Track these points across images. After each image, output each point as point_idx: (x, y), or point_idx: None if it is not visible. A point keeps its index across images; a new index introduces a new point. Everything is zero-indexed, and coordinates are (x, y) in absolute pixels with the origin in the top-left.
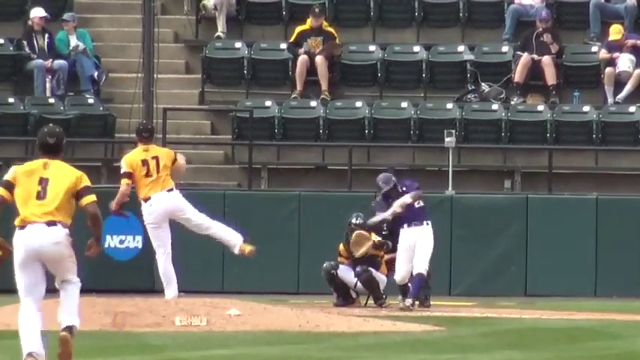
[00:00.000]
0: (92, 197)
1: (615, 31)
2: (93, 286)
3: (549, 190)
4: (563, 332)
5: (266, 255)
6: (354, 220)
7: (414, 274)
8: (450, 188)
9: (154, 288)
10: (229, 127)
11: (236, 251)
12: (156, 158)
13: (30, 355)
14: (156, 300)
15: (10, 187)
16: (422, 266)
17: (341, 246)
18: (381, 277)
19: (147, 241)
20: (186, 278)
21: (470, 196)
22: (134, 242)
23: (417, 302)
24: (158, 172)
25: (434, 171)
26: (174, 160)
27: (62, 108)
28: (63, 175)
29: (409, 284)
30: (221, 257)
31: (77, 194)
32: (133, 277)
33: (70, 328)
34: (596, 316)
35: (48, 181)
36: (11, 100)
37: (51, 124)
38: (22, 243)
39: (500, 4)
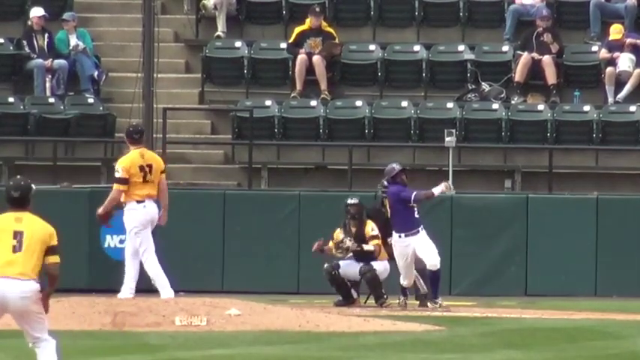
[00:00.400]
0: (56, 258)
1: (615, 31)
2: (93, 286)
3: (549, 189)
4: (563, 332)
5: (266, 255)
6: (349, 201)
7: (430, 271)
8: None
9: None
10: (229, 126)
11: (162, 295)
12: (150, 166)
13: None
14: (156, 300)
15: None
16: (434, 261)
17: (338, 232)
18: (384, 268)
19: None
20: (187, 278)
21: (470, 196)
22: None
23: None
24: (152, 177)
25: (434, 171)
26: (163, 171)
27: (62, 108)
28: (37, 229)
29: (420, 285)
30: (221, 257)
31: (46, 250)
32: None
33: None
34: (596, 316)
35: (23, 235)
36: (11, 99)
37: (18, 176)
38: None
39: (501, 4)
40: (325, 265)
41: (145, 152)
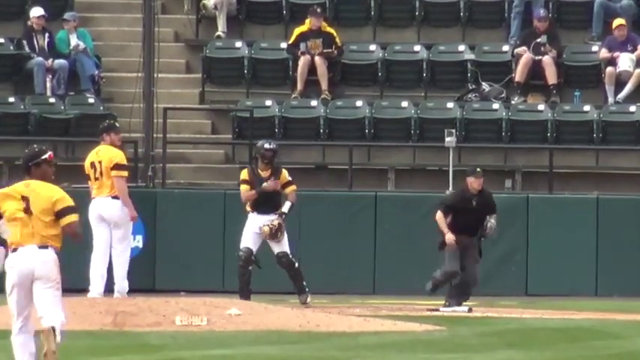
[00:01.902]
0: (71, 218)
1: (616, 24)
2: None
3: (550, 189)
4: (563, 332)
5: (266, 255)
6: (266, 145)
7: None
8: (450, 188)
9: (154, 288)
10: (229, 126)
11: (89, 294)
12: (100, 163)
13: None
14: (156, 299)
15: None
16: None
17: (245, 172)
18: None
19: (148, 241)
20: (187, 278)
21: None
22: (134, 242)
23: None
24: (99, 175)
25: (434, 171)
26: (114, 167)
27: (62, 107)
28: (41, 198)
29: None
30: (221, 257)
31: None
32: (133, 277)
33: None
34: (597, 316)
35: (29, 201)
36: (11, 99)
37: (34, 145)
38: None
39: (501, 4)
40: (241, 253)
41: (102, 149)
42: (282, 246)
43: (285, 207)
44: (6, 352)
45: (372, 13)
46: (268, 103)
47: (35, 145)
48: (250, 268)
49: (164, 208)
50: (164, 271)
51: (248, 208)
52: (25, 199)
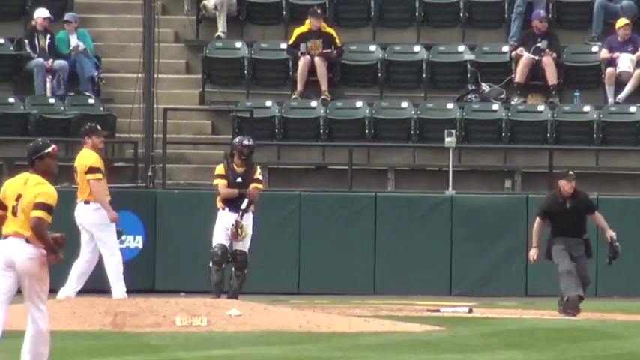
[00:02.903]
0: (36, 213)
1: (621, 24)
2: (93, 286)
3: (549, 190)
4: (563, 332)
5: (266, 255)
6: (245, 142)
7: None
8: (450, 188)
9: (154, 288)
10: (229, 127)
11: (59, 294)
12: (75, 168)
13: None
14: (156, 300)
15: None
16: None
17: (221, 167)
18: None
19: (147, 241)
20: (187, 278)
21: (470, 196)
22: (134, 242)
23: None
24: (78, 179)
25: (434, 171)
26: (87, 171)
27: (62, 108)
28: (30, 192)
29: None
30: None
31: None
32: (133, 277)
33: None
34: (597, 316)
35: (21, 197)
36: (11, 100)
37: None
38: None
39: (501, 4)
40: (215, 249)
41: (81, 154)
42: (244, 244)
43: (243, 204)
44: (6, 352)
45: (372, 13)
46: (268, 103)
47: (39, 139)
48: (223, 265)
49: (164, 209)
50: (164, 271)
51: (219, 205)
52: (18, 197)
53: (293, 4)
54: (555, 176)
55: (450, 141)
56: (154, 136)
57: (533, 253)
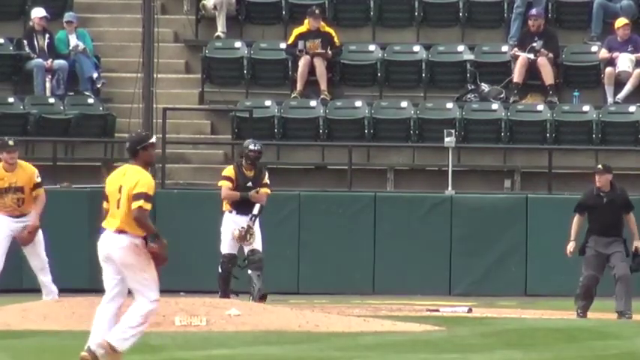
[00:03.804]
0: (138, 203)
1: (621, 23)
2: (93, 286)
3: (549, 190)
4: (563, 332)
5: (266, 255)
6: (251, 146)
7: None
8: (449, 188)
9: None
10: (229, 126)
11: (48, 298)
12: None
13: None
14: None
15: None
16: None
17: (231, 169)
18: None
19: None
20: (187, 278)
21: (470, 196)
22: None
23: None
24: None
25: (434, 171)
26: (34, 187)
27: (62, 108)
28: (129, 181)
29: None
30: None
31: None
32: None
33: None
34: (596, 316)
35: (122, 189)
36: (11, 99)
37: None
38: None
39: (501, 4)
40: (225, 259)
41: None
42: (257, 244)
43: (255, 209)
44: (6, 352)
45: (372, 13)
46: (268, 103)
47: (140, 130)
48: (232, 274)
49: (164, 208)
50: (164, 271)
51: (226, 207)
52: (120, 189)
53: (292, 4)
54: (593, 171)
55: (449, 141)
56: (154, 135)
57: (570, 246)
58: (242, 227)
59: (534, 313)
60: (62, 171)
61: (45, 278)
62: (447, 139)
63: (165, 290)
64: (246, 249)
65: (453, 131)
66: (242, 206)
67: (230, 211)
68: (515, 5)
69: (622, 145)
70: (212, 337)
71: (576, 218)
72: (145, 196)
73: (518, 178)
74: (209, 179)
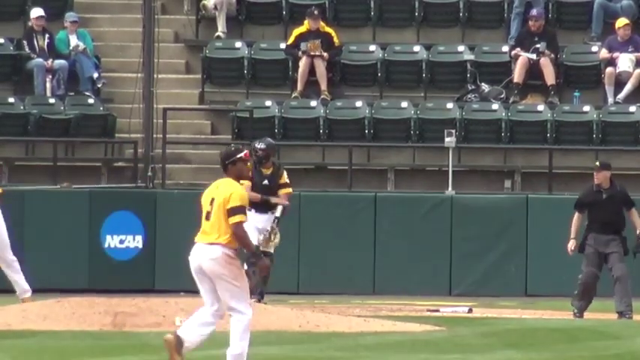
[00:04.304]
0: (235, 218)
1: (622, 24)
2: (93, 286)
3: (549, 190)
4: (563, 332)
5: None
6: (257, 145)
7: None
8: (449, 188)
9: (154, 288)
10: (229, 127)
11: (20, 297)
12: None
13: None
14: (156, 300)
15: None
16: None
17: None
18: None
19: (147, 241)
20: (187, 278)
21: (470, 196)
22: (134, 242)
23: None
24: None
25: (434, 171)
26: None
27: (62, 108)
28: (221, 194)
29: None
30: None
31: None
32: (133, 277)
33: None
34: (596, 316)
35: (214, 201)
36: (11, 100)
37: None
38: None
39: (501, 4)
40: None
41: None
42: (270, 248)
43: (278, 211)
44: (6, 352)
45: (372, 13)
46: (268, 103)
47: (232, 144)
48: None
49: (164, 209)
50: (164, 271)
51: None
52: (212, 201)
53: (293, 4)
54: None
55: (449, 141)
56: (154, 136)
57: (570, 244)
58: (266, 231)
59: (534, 313)
60: (62, 171)
61: (15, 276)
62: (447, 139)
63: (166, 290)
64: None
65: (453, 131)
66: (261, 205)
67: (249, 209)
68: (514, 5)
69: (622, 145)
70: (213, 337)
71: (576, 216)
72: (241, 210)
73: (519, 179)
74: (209, 179)
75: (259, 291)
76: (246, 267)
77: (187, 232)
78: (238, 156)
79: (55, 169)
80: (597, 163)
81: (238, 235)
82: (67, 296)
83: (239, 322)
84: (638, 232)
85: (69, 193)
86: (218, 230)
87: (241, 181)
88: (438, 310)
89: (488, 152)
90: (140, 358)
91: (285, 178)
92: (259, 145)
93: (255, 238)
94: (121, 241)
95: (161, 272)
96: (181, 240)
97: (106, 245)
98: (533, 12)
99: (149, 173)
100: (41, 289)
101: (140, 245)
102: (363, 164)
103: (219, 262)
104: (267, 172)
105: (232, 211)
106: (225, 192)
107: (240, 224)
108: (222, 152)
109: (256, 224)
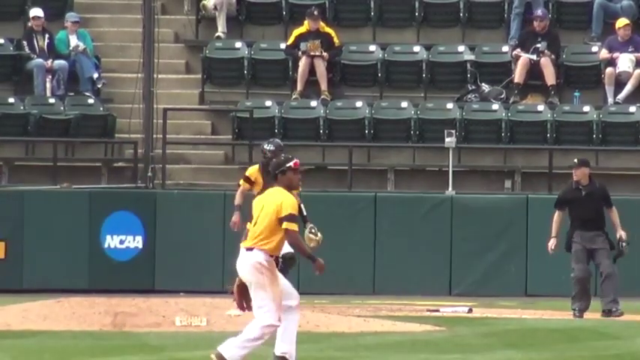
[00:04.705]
0: (288, 225)
1: (622, 24)
2: (93, 287)
3: (549, 190)
4: (563, 332)
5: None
6: (265, 146)
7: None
8: (450, 188)
9: (153, 288)
10: (229, 127)
11: None
12: None
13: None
14: (156, 300)
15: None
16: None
17: (254, 169)
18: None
19: (147, 241)
20: (187, 278)
21: (470, 196)
22: (134, 242)
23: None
24: None
25: (434, 171)
26: None
27: (62, 108)
28: (271, 202)
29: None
30: (221, 257)
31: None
32: (133, 277)
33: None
34: (596, 316)
35: (262, 210)
36: (11, 100)
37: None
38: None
39: (501, 5)
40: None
41: None
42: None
43: (303, 210)
44: (6, 352)
45: (372, 13)
46: (268, 103)
47: (283, 155)
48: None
49: (164, 209)
50: (164, 271)
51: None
52: (262, 209)
53: (293, 4)
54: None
55: (449, 141)
56: (154, 136)
57: (551, 243)
58: (312, 228)
59: (534, 313)
60: (62, 171)
61: None
62: (447, 140)
63: (165, 290)
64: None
65: (453, 131)
66: None
67: None
68: (514, 6)
69: (622, 146)
70: (212, 337)
71: (556, 214)
72: (293, 218)
73: (519, 179)
74: (209, 179)
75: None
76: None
77: (187, 232)
78: (288, 165)
79: (55, 169)
80: (576, 160)
81: (293, 241)
82: (67, 296)
83: (251, 328)
84: (618, 235)
85: (69, 193)
86: (260, 236)
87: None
88: (438, 310)
89: (489, 152)
90: (140, 358)
91: None
92: (268, 146)
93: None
94: (121, 242)
95: (161, 272)
96: (181, 240)
97: (106, 245)
98: (538, 12)
99: (149, 173)
100: (41, 289)
101: (140, 245)
102: (363, 164)
103: (252, 268)
104: None
105: (286, 219)
106: (276, 200)
107: (292, 231)
108: (272, 162)
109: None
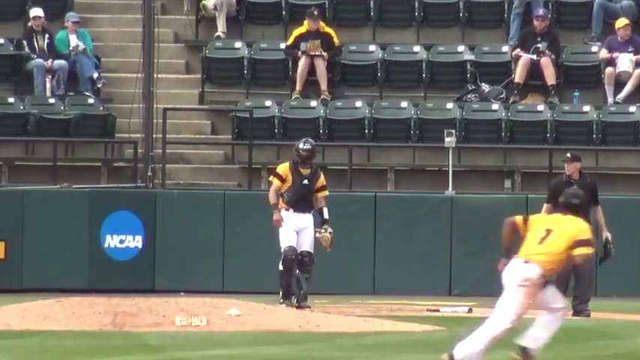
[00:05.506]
0: (582, 250)
1: (622, 24)
2: (93, 287)
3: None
4: (562, 332)
5: (266, 255)
6: (301, 145)
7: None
8: (450, 188)
9: (153, 288)
10: (229, 127)
11: None
12: None
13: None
14: (156, 300)
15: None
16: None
17: (285, 167)
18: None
19: (147, 241)
20: (187, 278)
21: (470, 196)
22: (134, 242)
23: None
24: None
25: (434, 171)
26: None
27: (62, 108)
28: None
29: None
30: (221, 257)
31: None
32: (132, 276)
33: (523, 349)
34: (596, 316)
35: (551, 232)
36: (11, 100)
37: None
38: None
39: (501, 4)
40: (288, 253)
41: None
42: (310, 245)
43: (326, 214)
44: (6, 352)
45: (372, 13)
46: (268, 103)
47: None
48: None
49: (164, 209)
50: (164, 271)
51: (282, 205)
52: (548, 231)
53: (292, 4)
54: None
55: (449, 141)
56: (154, 136)
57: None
58: (328, 232)
59: (534, 313)
60: (62, 171)
61: None
62: (447, 140)
63: (166, 290)
64: (302, 248)
65: (453, 131)
66: (300, 204)
67: (287, 209)
68: (514, 6)
69: (622, 145)
70: (212, 337)
71: (544, 208)
72: (590, 243)
73: (519, 179)
74: (209, 179)
75: (303, 297)
76: (297, 272)
77: (187, 232)
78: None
79: (55, 169)
80: (568, 155)
81: (581, 264)
82: (67, 296)
83: (494, 327)
84: (604, 237)
85: (69, 193)
86: (545, 253)
87: (271, 178)
88: (438, 310)
89: (488, 152)
90: (140, 358)
91: (322, 180)
92: (304, 145)
93: (293, 240)
94: (121, 241)
95: (161, 272)
96: (181, 240)
97: (106, 245)
98: (539, 12)
99: (149, 173)
100: (41, 288)
101: (140, 245)
102: (363, 164)
103: (519, 286)
104: (307, 172)
105: (583, 243)
106: (573, 227)
107: (587, 256)
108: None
109: (296, 223)
